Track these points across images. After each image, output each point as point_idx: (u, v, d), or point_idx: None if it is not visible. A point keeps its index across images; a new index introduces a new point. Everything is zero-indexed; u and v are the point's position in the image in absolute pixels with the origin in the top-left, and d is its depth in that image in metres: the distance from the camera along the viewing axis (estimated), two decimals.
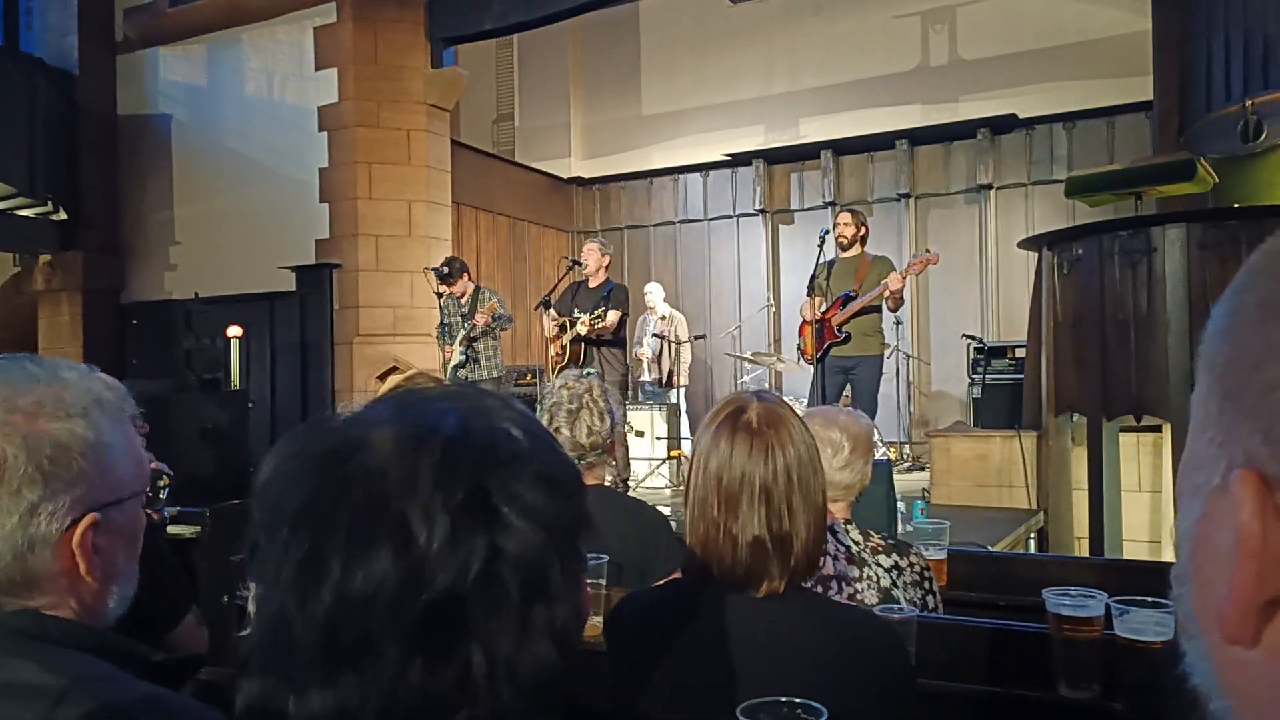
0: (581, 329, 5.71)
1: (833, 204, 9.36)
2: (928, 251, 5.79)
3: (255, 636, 0.57)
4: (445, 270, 6.22)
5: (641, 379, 8.05)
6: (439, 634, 0.55)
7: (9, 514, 0.81)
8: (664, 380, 7.99)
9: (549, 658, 0.57)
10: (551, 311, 6.00)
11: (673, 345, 7.89)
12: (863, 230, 5.72)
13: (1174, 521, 0.41)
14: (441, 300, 6.36)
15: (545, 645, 0.57)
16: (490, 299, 6.17)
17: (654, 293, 8.20)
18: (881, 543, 1.92)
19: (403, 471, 0.56)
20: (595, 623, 1.75)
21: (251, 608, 0.67)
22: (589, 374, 2.37)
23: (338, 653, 0.54)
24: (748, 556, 1.24)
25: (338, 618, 0.54)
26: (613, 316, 5.78)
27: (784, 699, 0.99)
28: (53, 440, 0.83)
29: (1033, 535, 4.81)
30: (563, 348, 5.84)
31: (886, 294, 5.43)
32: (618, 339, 6.05)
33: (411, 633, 0.54)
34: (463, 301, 6.25)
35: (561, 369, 5.48)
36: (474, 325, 6.06)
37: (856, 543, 1.90)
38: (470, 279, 6.36)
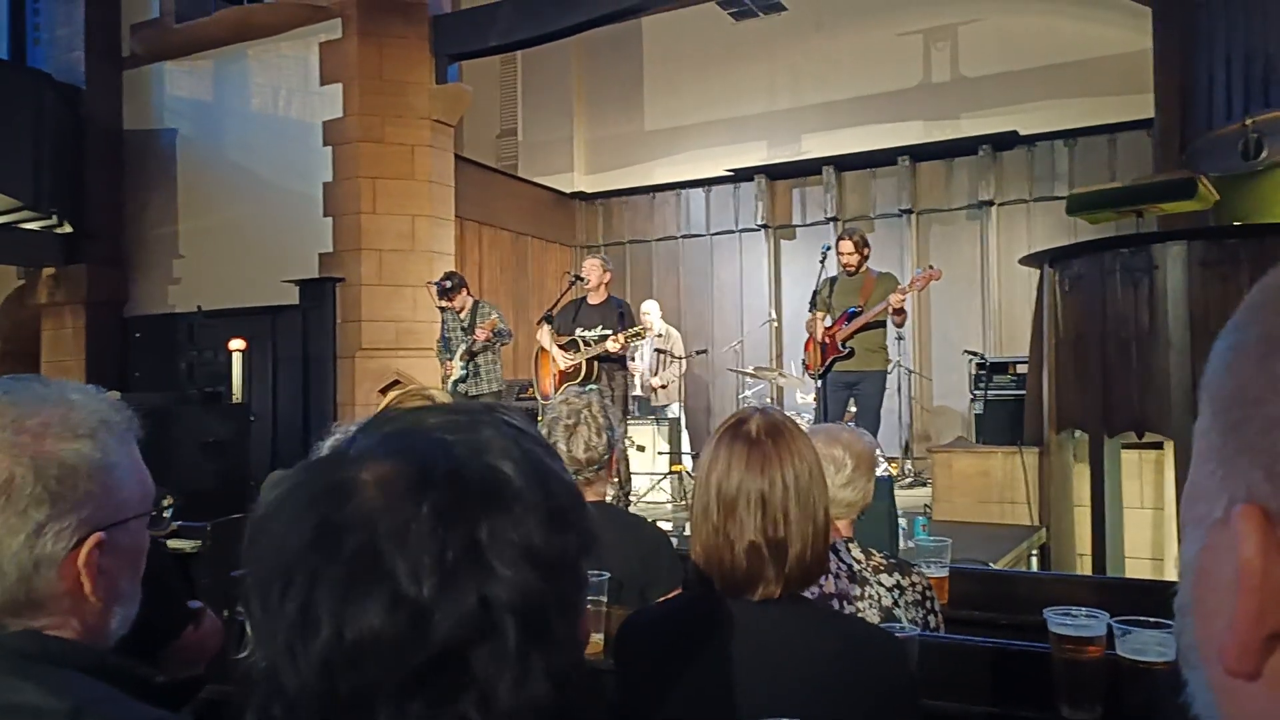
0: (613, 346, 5.69)
1: (835, 219, 9.39)
2: (930, 268, 5.81)
3: (253, 684, 0.57)
4: (446, 285, 6.24)
5: (634, 393, 8.06)
6: (435, 688, 0.54)
7: (15, 534, 0.81)
8: (657, 394, 8.00)
9: (547, 699, 0.56)
10: (551, 329, 5.99)
11: (666, 359, 7.90)
12: (865, 251, 5.75)
13: (1179, 550, 0.41)
14: (444, 314, 6.40)
15: (544, 687, 0.56)
16: (490, 314, 6.19)
17: (653, 312, 8.22)
18: (884, 561, 1.92)
19: (393, 524, 0.55)
20: (595, 639, 1.74)
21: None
22: (591, 390, 2.37)
23: (334, 707, 0.54)
24: (744, 561, 1.26)
25: (331, 673, 0.53)
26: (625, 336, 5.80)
27: None
28: (59, 461, 0.83)
29: (1035, 552, 4.80)
30: (577, 366, 5.83)
31: (890, 310, 5.47)
32: (619, 355, 6.06)
33: (407, 687, 0.53)
34: (462, 316, 6.28)
35: (570, 385, 5.47)
36: (474, 341, 6.09)
37: (859, 561, 1.90)
38: (469, 293, 6.38)
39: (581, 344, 5.83)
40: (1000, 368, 6.32)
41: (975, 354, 7.07)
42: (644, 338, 5.75)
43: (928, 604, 1.92)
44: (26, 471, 0.81)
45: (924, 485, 6.95)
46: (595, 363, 5.84)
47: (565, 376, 5.81)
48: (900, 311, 5.53)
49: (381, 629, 0.53)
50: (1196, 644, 0.38)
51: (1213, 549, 0.37)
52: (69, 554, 0.83)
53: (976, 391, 6.41)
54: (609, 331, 5.74)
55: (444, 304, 6.30)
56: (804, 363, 5.97)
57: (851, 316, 5.61)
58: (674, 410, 7.83)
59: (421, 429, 0.60)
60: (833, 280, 5.80)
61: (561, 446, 2.21)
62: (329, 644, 0.53)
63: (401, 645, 0.53)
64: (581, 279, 6.13)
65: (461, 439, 0.59)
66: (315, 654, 0.53)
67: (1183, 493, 0.40)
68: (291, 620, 0.54)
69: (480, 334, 6.05)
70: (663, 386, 7.90)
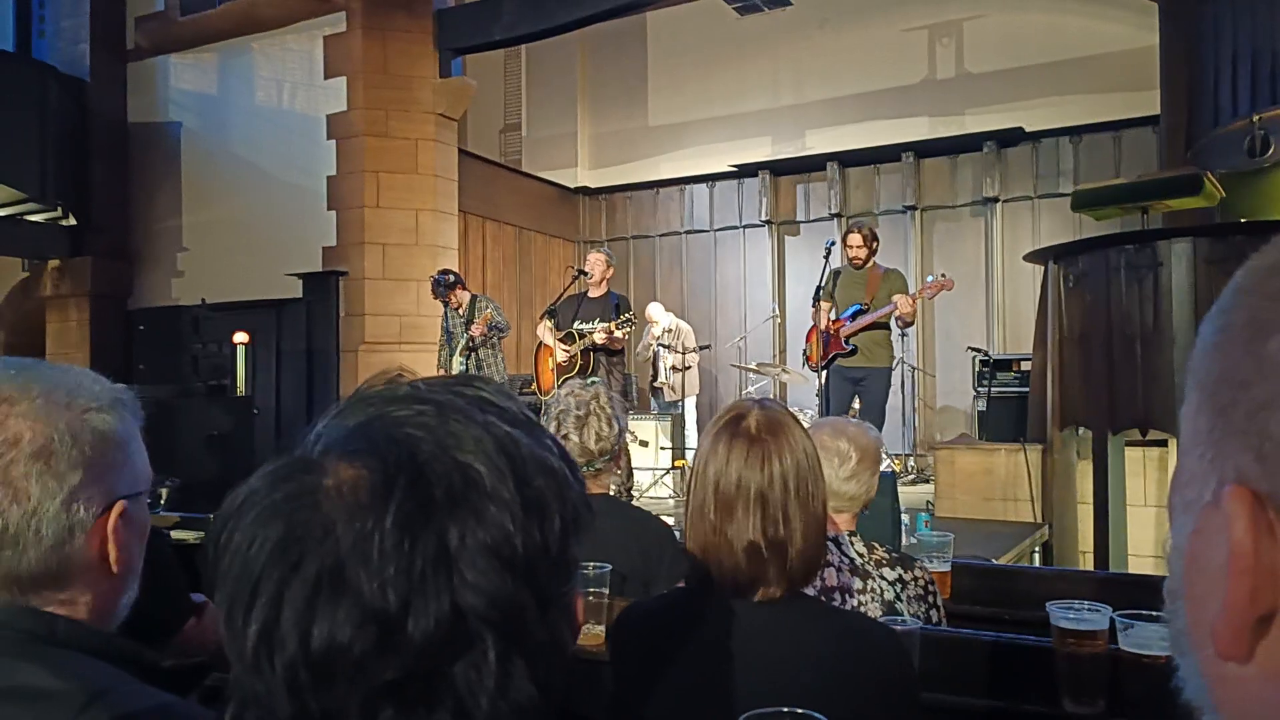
0: (600, 336, 5.72)
1: (839, 215, 9.37)
2: (943, 276, 5.71)
3: (232, 697, 0.56)
4: (440, 285, 6.28)
5: (655, 389, 8.14)
6: (409, 700, 0.52)
7: (53, 497, 0.82)
8: (670, 389, 8.02)
9: (530, 702, 0.55)
10: (552, 323, 6.00)
11: (680, 355, 7.92)
12: (874, 245, 5.71)
13: (1168, 536, 0.41)
14: (445, 308, 6.44)
15: (526, 691, 0.55)
16: (486, 308, 6.21)
17: (657, 314, 8.24)
18: (886, 555, 1.92)
19: (357, 537, 0.52)
20: (597, 631, 1.75)
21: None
22: (595, 382, 2.38)
23: (304, 717, 0.52)
24: (744, 562, 1.24)
25: (299, 689, 0.52)
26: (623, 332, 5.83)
27: (785, 709, 0.99)
28: (93, 428, 0.85)
29: (1037, 549, 4.79)
30: (572, 358, 5.85)
31: (895, 315, 5.44)
32: (619, 348, 6.07)
33: (379, 700, 0.52)
34: (460, 312, 6.31)
35: (568, 379, 5.49)
36: (470, 337, 6.13)
37: (861, 555, 1.90)
38: (465, 289, 6.39)
39: (577, 336, 5.84)
40: (1004, 365, 6.32)
41: (979, 351, 7.07)
42: (633, 326, 5.77)
43: (930, 598, 1.92)
44: (64, 436, 0.83)
45: (927, 482, 6.94)
46: (593, 356, 5.85)
47: (563, 370, 5.82)
48: (908, 321, 5.52)
49: (350, 645, 0.51)
50: (1187, 629, 0.38)
51: (1203, 532, 0.37)
52: (97, 520, 0.84)
53: (980, 388, 6.41)
54: (606, 324, 5.77)
55: (440, 301, 6.37)
56: (805, 354, 5.95)
57: (855, 314, 5.59)
58: (689, 405, 7.83)
59: (388, 423, 0.57)
60: (836, 273, 5.78)
61: (574, 438, 2.22)
62: (295, 662, 0.51)
63: (372, 660, 0.51)
64: (585, 273, 6.14)
65: (429, 435, 0.56)
66: (282, 671, 0.52)
67: (1171, 478, 0.40)
68: (256, 639, 0.52)
69: (475, 329, 6.09)
70: (668, 385, 7.92)
